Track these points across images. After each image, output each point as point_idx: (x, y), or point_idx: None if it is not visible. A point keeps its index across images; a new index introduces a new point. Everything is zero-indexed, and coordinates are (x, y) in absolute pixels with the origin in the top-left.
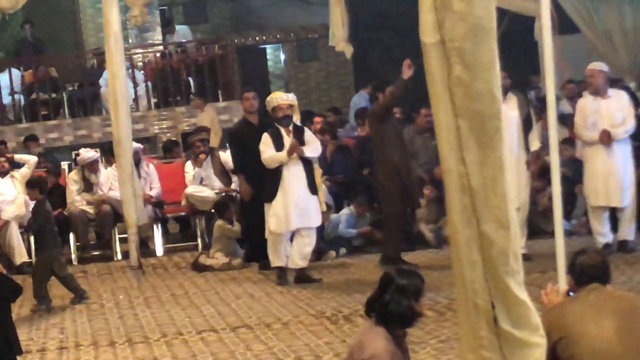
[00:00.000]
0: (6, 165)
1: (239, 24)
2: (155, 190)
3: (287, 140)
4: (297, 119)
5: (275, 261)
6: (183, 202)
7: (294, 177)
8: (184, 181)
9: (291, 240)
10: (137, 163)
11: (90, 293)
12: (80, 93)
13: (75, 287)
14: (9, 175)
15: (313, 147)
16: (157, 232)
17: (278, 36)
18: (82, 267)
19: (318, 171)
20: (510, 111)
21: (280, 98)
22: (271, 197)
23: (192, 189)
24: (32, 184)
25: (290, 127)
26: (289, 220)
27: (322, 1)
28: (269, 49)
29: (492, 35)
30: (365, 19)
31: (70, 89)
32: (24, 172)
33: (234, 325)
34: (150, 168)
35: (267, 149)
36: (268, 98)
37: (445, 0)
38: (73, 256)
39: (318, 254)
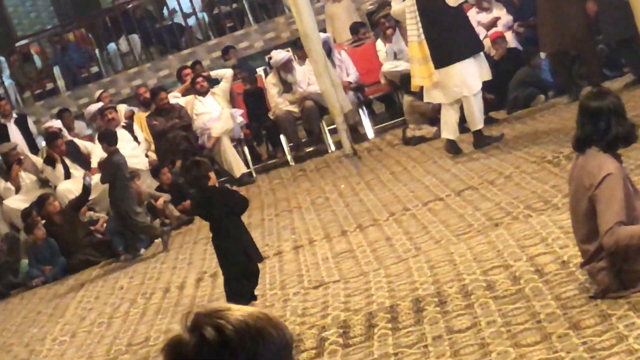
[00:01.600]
0: (205, 84)
1: None
2: (352, 75)
3: None
4: None
5: (479, 123)
6: (382, 81)
7: None
8: (378, 60)
9: None
10: (329, 53)
11: (312, 188)
12: None
13: (155, 234)
14: (210, 93)
15: None
16: (364, 116)
17: None
18: (299, 165)
19: None
20: None
21: None
22: (480, 47)
23: (388, 66)
24: (99, 138)
25: None
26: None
27: None
28: None
29: None
30: None
31: None
32: (223, 87)
33: (458, 189)
34: (342, 55)
35: None
36: None
37: None
38: (288, 157)
39: (527, 99)
